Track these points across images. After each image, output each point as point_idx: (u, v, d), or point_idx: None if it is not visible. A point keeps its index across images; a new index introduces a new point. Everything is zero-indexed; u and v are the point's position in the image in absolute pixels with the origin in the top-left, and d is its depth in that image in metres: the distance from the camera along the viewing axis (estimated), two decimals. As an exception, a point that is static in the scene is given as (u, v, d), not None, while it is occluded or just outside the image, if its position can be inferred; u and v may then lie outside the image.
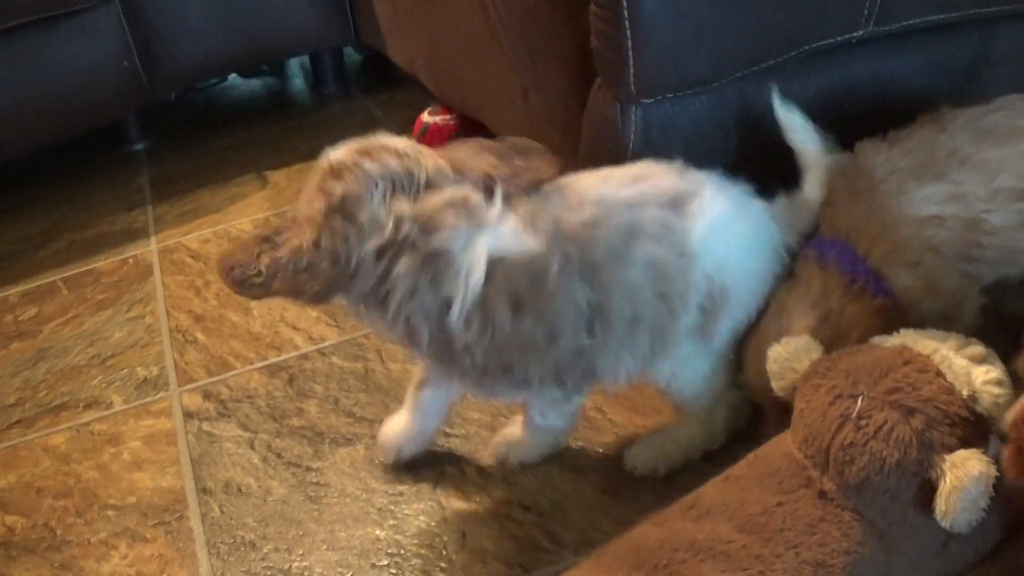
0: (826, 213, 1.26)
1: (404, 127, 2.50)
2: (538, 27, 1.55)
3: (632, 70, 1.28)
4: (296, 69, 3.44)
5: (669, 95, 1.33)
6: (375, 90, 3.09)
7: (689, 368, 1.23)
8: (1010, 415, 0.93)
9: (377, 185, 1.08)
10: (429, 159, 1.12)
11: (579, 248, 1.12)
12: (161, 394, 1.61)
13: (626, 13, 1.23)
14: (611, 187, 1.19)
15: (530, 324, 1.10)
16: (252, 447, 1.44)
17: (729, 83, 1.36)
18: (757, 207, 1.24)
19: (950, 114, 1.25)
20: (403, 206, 1.08)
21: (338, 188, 1.08)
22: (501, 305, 1.09)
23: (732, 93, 1.37)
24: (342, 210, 1.07)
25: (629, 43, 1.25)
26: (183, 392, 1.60)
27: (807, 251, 1.22)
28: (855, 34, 1.39)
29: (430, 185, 1.10)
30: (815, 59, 1.40)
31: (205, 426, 1.50)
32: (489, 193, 1.13)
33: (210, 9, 2.65)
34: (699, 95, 1.36)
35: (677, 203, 1.18)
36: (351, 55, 3.32)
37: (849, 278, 1.18)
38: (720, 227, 1.18)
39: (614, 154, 1.38)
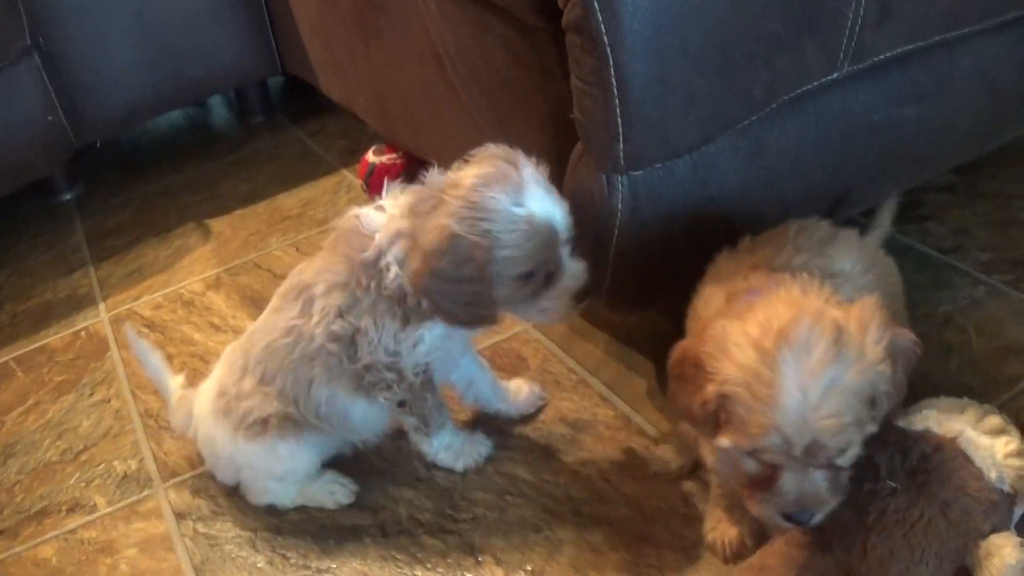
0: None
1: (342, 159, 2.45)
2: (507, 91, 1.52)
3: (622, 145, 1.26)
4: (218, 97, 3.34)
5: (658, 165, 1.32)
6: (303, 117, 3.01)
7: None
8: None
9: None
10: None
11: None
12: (146, 492, 1.54)
13: (615, 91, 1.21)
14: None
15: None
16: (255, 548, 1.39)
17: (711, 143, 1.35)
18: None
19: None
20: None
21: None
22: None
23: (712, 151, 1.36)
24: None
25: (619, 120, 1.23)
26: (169, 488, 1.54)
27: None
28: (831, 76, 1.39)
29: None
30: (791, 104, 1.40)
31: (200, 527, 1.45)
32: None
33: (134, 54, 2.56)
34: (683, 158, 1.34)
35: None
36: (274, 77, 3.25)
37: None
38: None
39: (601, 224, 1.36)
